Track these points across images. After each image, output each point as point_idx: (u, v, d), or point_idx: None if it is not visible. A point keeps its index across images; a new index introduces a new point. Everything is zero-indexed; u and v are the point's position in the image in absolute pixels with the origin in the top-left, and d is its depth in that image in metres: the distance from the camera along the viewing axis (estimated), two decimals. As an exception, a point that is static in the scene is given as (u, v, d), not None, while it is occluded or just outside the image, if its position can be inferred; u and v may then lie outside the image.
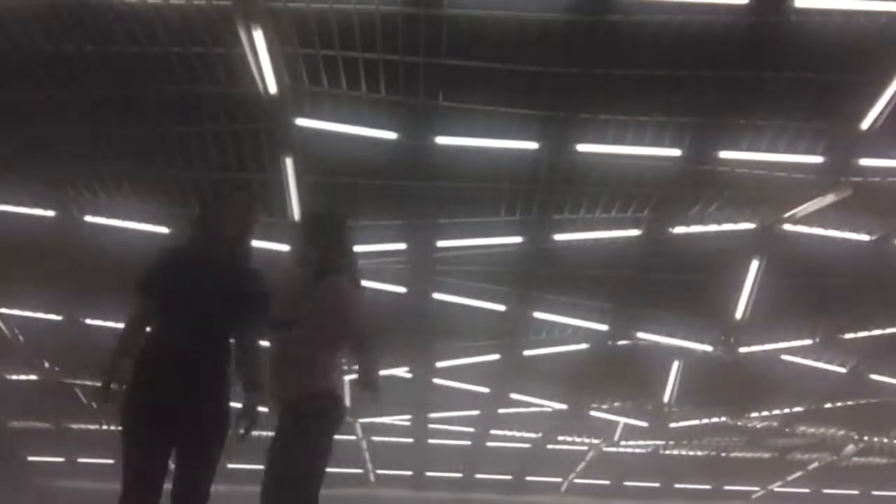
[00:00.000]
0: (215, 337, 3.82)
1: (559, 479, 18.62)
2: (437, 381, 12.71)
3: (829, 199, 8.22)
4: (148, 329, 3.90)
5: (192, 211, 4.40)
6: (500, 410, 14.29)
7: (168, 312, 3.81)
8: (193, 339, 3.72)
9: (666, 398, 13.06)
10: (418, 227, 9.00)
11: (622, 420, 14.57)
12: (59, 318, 11.21)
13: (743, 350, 11.09)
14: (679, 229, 8.97)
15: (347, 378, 5.33)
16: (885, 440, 15.50)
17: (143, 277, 3.91)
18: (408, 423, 15.26)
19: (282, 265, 6.87)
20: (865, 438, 15.44)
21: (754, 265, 9.60)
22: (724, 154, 7.85)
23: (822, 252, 9.10)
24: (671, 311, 10.71)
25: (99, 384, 3.80)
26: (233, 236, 3.93)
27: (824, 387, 12.73)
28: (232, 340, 3.90)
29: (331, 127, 7.53)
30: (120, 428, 3.76)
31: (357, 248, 4.60)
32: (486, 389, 13.09)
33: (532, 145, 7.79)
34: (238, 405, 3.90)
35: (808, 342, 11.25)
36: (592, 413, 14.22)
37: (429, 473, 18.22)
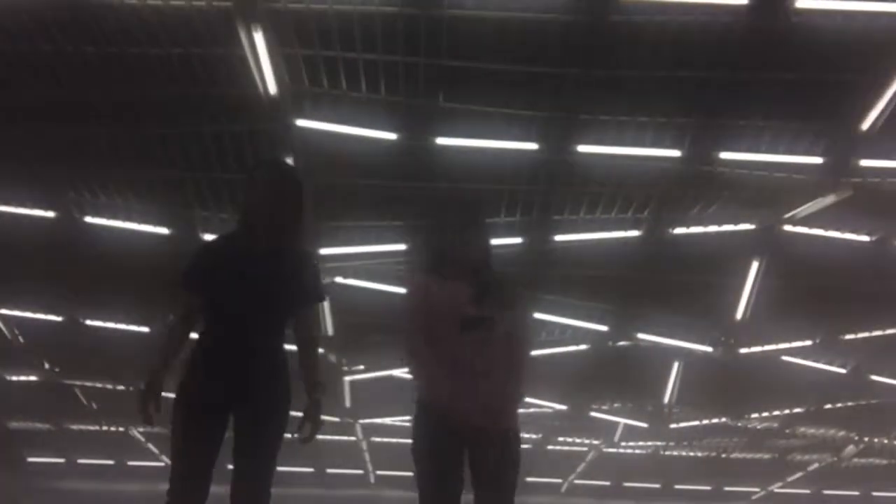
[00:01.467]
0: (266, 330, 3.64)
1: (559, 480, 18.61)
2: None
3: (830, 199, 8.22)
4: (193, 329, 3.77)
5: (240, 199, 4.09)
6: (501, 411, 14.26)
7: (214, 309, 3.65)
8: (242, 335, 3.57)
9: (666, 399, 13.05)
10: (418, 229, 9.00)
11: (622, 421, 14.57)
12: (59, 318, 11.21)
13: (743, 351, 11.09)
14: (679, 230, 8.96)
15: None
16: (886, 441, 15.49)
17: (184, 273, 3.72)
18: (408, 425, 15.23)
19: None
20: (866, 439, 15.44)
21: (754, 266, 9.60)
22: (724, 155, 7.84)
23: (823, 253, 9.10)
24: (671, 311, 10.71)
25: (141, 389, 3.61)
26: (276, 222, 3.66)
27: (824, 388, 12.73)
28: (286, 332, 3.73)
29: (331, 128, 7.53)
30: (171, 422, 3.59)
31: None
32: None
33: (532, 146, 7.79)
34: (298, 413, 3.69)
35: (808, 343, 11.25)
36: (592, 414, 14.21)
37: (429, 474, 18.19)
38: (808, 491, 18.63)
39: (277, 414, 3.61)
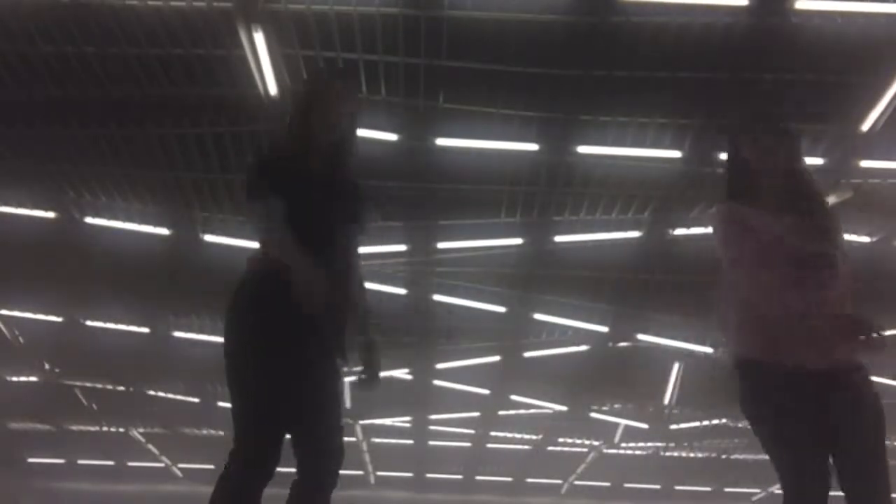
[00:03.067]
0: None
1: (559, 481, 18.61)
2: (437, 382, 12.71)
3: (830, 200, 8.22)
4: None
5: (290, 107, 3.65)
6: (501, 412, 14.29)
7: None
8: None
9: (666, 400, 13.05)
10: (419, 229, 9.00)
11: (622, 422, 14.56)
12: (59, 319, 11.21)
13: (743, 352, 11.09)
14: (680, 231, 8.96)
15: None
16: (886, 442, 15.45)
17: (250, 184, 3.25)
18: (408, 425, 15.26)
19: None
20: (866, 440, 15.41)
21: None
22: (725, 156, 7.83)
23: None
24: (672, 313, 10.70)
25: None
26: (326, 140, 3.25)
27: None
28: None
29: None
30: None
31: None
32: (486, 391, 13.09)
33: (532, 147, 7.79)
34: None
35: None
36: (593, 415, 14.21)
37: (429, 475, 18.21)
38: (808, 492, 18.62)
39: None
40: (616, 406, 14.13)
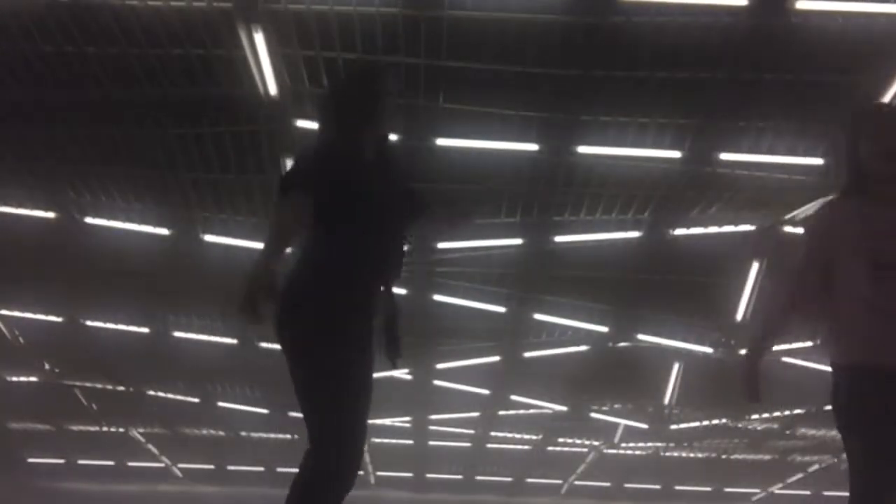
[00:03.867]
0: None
1: (559, 481, 18.62)
2: (437, 382, 12.71)
3: (830, 201, 8.20)
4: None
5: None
6: (501, 412, 14.29)
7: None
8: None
9: (666, 400, 13.05)
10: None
11: (622, 422, 14.57)
12: (59, 319, 11.22)
13: (744, 352, 11.08)
14: (680, 231, 8.96)
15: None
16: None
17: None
18: (408, 425, 15.26)
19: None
20: (866, 440, 15.39)
21: (755, 267, 9.59)
22: (725, 156, 7.84)
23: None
24: (672, 312, 10.71)
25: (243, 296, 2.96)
26: (371, 135, 3.36)
27: (825, 389, 12.68)
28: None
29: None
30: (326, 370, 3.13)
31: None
32: (486, 391, 13.09)
33: (532, 147, 7.79)
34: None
35: (809, 344, 11.23)
36: (593, 415, 14.22)
37: (429, 475, 18.22)
38: (808, 492, 18.62)
39: None
40: (616, 406, 14.13)
